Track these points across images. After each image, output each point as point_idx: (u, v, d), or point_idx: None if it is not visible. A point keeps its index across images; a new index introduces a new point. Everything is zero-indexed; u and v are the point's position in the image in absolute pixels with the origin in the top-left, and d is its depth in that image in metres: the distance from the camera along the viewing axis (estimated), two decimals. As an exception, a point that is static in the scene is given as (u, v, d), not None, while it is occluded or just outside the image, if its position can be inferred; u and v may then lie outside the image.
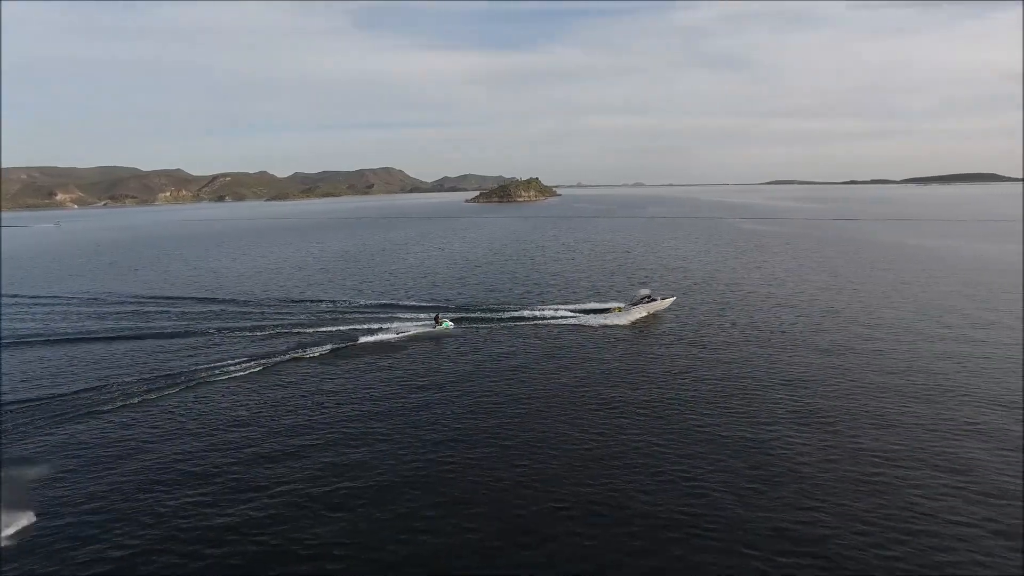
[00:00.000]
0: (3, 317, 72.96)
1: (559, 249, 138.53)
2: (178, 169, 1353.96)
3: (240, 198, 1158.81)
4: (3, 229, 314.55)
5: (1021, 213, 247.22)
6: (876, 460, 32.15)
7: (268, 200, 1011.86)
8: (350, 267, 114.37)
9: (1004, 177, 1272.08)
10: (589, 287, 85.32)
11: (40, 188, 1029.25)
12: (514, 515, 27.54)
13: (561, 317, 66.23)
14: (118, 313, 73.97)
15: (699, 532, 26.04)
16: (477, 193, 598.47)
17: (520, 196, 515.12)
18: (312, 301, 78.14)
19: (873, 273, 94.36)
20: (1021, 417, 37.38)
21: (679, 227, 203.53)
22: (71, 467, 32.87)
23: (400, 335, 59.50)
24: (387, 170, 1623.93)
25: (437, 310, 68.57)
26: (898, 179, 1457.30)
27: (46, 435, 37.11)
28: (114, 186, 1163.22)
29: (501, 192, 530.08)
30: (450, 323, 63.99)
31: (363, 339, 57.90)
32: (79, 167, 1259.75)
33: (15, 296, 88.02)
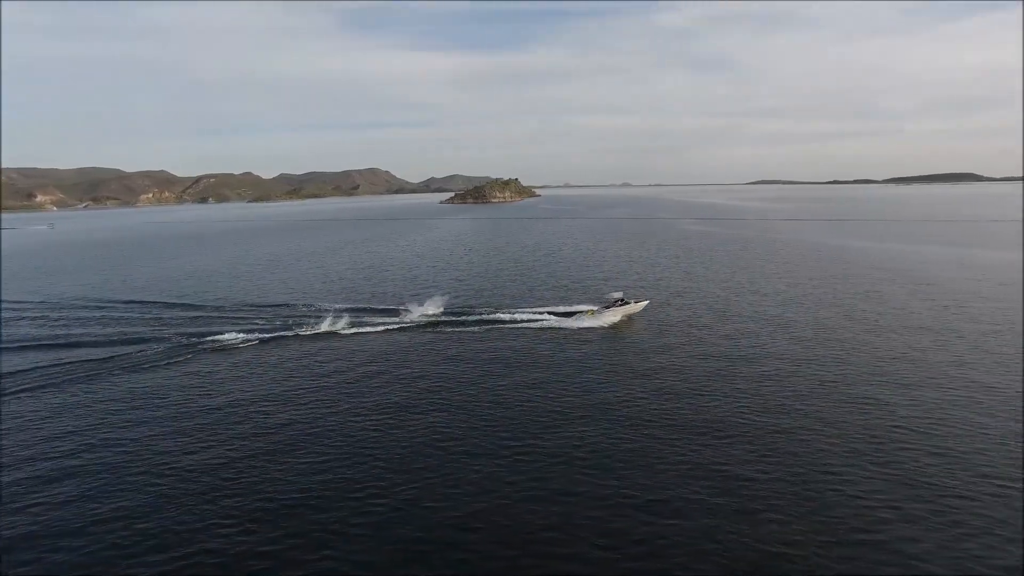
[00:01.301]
0: None
1: (487, 252, 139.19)
2: (162, 170, 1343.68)
3: (224, 199, 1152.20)
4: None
5: (961, 214, 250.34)
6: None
7: (251, 201, 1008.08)
8: (269, 271, 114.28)
9: (982, 177, 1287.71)
10: (478, 290, 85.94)
11: (19, 190, 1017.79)
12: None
13: (530, 320, 66.04)
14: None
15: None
16: (452, 195, 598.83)
17: (495, 197, 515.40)
18: (198, 306, 78.39)
19: (765, 273, 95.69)
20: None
21: (623, 228, 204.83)
22: None
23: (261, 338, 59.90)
24: (373, 171, 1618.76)
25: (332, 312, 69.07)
26: (880, 179, 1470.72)
27: None
28: (96, 187, 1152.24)
29: (476, 193, 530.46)
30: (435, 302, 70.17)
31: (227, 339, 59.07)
32: (59, 168, 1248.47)
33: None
